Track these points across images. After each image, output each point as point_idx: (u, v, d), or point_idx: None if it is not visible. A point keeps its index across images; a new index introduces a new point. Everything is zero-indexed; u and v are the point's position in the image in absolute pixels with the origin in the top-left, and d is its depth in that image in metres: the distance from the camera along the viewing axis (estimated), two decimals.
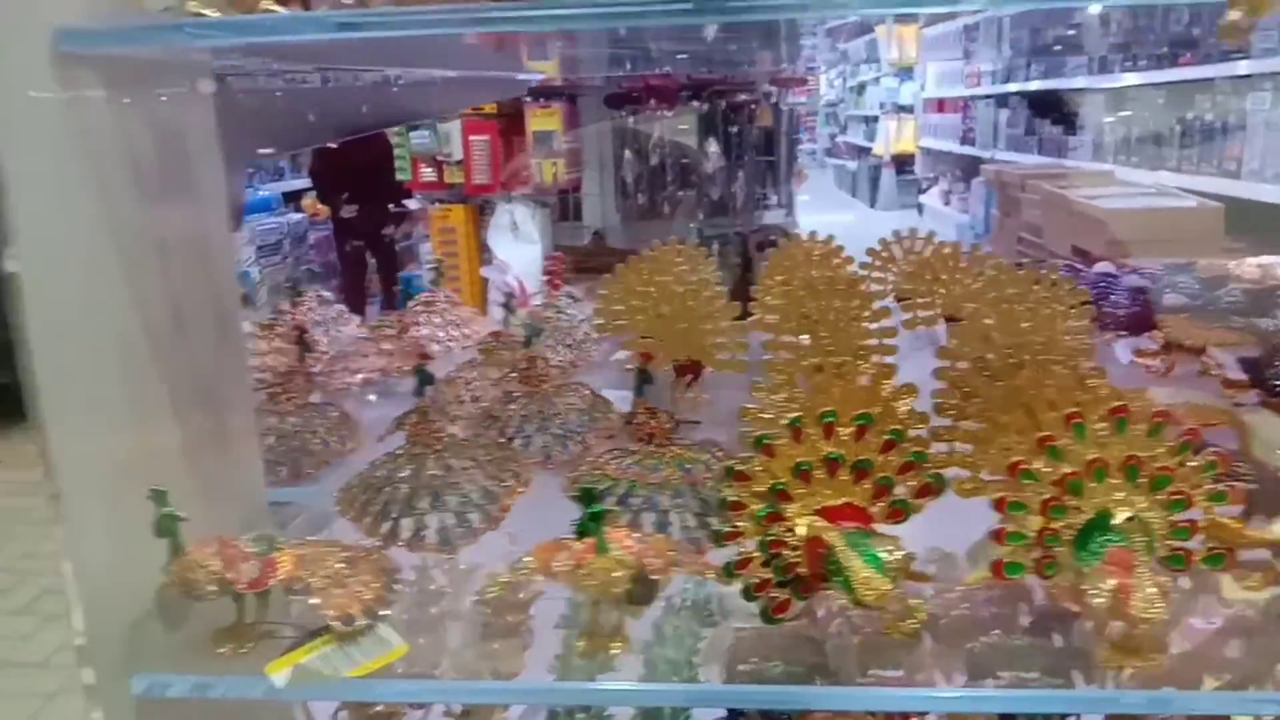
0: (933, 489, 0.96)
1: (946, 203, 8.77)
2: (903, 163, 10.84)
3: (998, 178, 6.68)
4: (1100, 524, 0.90)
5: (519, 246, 4.84)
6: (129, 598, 1.00)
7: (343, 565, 1.01)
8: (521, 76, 2.91)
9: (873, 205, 11.50)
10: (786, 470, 0.94)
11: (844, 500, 0.95)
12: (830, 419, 0.93)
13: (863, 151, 12.57)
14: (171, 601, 1.05)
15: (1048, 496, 0.90)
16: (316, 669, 0.93)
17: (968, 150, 8.44)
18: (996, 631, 1.04)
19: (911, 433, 0.99)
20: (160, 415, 1.06)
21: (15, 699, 2.95)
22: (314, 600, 0.95)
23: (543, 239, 4.89)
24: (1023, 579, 1.07)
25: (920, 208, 9.69)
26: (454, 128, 4.74)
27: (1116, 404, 0.90)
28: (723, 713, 1.46)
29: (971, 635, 1.03)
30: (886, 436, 0.94)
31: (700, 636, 1.07)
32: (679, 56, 4.87)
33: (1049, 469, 0.91)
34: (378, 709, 1.61)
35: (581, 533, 0.93)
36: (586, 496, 0.91)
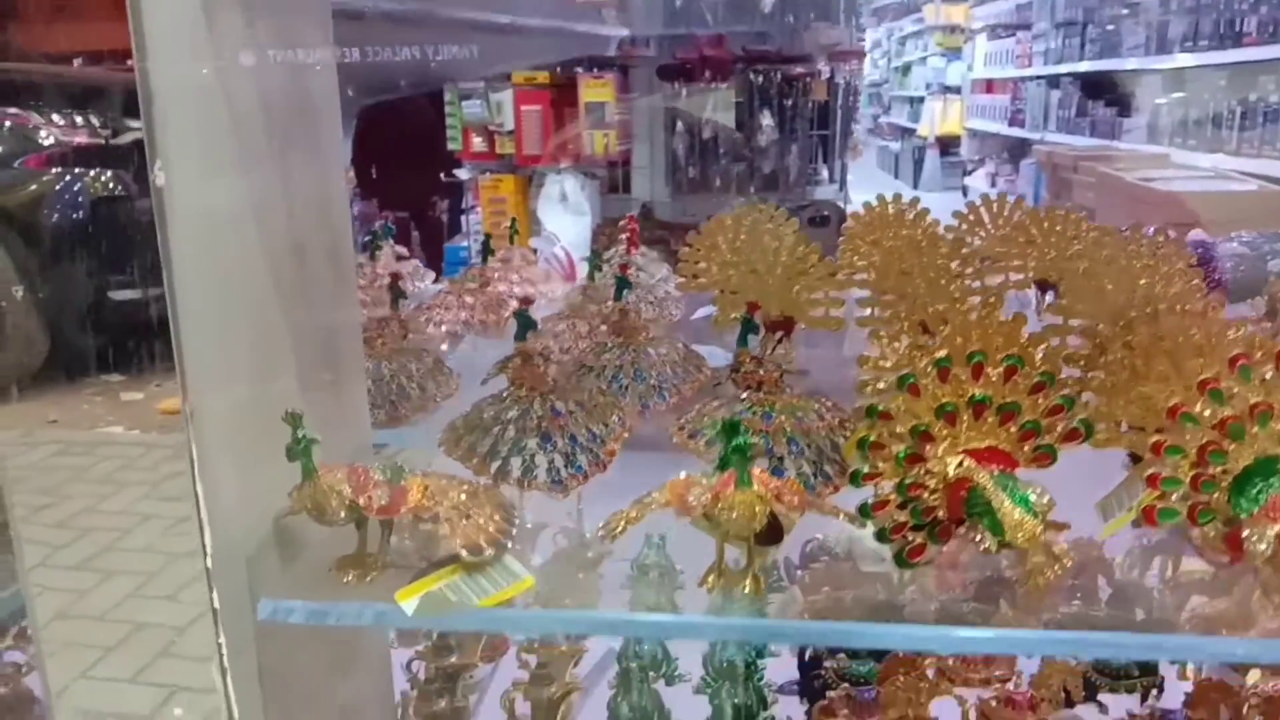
0: (1079, 434, 0.93)
1: (993, 184, 8.66)
2: (947, 144, 10.69)
3: (1049, 159, 6.57)
4: (1262, 470, 0.87)
5: (568, 218, 4.80)
6: (251, 527, 1.00)
7: (465, 497, 1.00)
8: (605, 31, 2.88)
9: (915, 186, 11.37)
10: (930, 411, 0.92)
11: (988, 443, 0.92)
12: (979, 359, 0.90)
13: (906, 132, 12.42)
14: (284, 531, 1.05)
15: (1205, 441, 0.87)
16: (446, 597, 0.92)
17: (1016, 132, 8.33)
18: (1076, 602, 1.01)
19: None
20: (283, 356, 1.06)
21: (73, 649, 2.98)
22: (443, 530, 0.94)
23: (592, 211, 4.86)
24: (1102, 550, 1.04)
25: (965, 189, 9.59)
26: (506, 97, 4.69)
27: None
28: (794, 675, 1.45)
29: (1050, 606, 0.99)
30: (1036, 379, 0.91)
31: (767, 601, 1.04)
32: (734, 29, 4.81)
33: (1207, 413, 0.88)
34: (451, 660, 1.62)
35: (723, 465, 0.90)
36: (731, 429, 0.89)
